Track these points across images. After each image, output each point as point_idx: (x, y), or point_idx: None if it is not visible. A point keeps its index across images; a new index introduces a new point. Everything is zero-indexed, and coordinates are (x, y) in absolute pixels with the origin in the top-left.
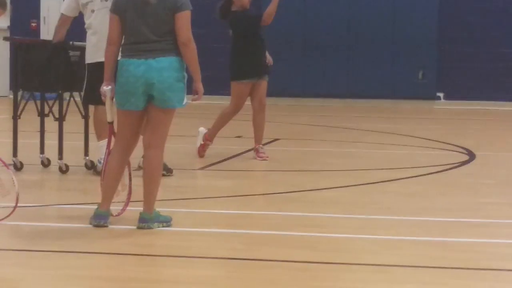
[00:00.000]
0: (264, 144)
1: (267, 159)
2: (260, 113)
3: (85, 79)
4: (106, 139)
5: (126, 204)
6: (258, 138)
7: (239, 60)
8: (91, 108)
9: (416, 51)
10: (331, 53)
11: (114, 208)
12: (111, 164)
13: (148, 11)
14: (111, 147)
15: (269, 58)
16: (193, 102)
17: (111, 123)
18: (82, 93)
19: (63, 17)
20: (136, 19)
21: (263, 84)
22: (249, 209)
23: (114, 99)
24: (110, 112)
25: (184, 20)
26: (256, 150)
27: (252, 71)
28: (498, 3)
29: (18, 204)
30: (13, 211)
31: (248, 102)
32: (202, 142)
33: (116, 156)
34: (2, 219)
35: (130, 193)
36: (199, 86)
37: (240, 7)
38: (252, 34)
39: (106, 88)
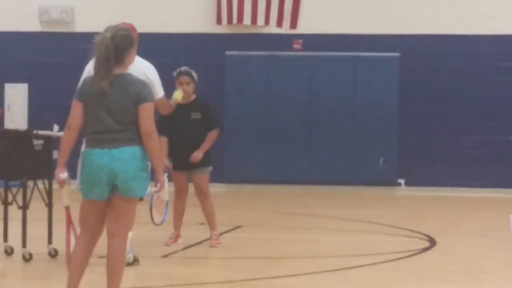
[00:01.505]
0: (226, 232)
1: (216, 245)
2: (204, 201)
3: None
4: None
5: None
6: (210, 224)
7: (169, 149)
8: (59, 195)
9: (377, 138)
10: (292, 139)
11: None
12: (77, 252)
13: (109, 101)
14: (72, 231)
15: (194, 156)
16: (156, 193)
17: (68, 207)
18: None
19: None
20: (99, 109)
21: (197, 176)
22: None
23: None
24: (67, 197)
25: (147, 112)
26: (210, 237)
27: (176, 163)
28: (459, 92)
29: None
30: None
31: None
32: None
33: (82, 244)
34: None
35: None
36: (161, 177)
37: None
38: (175, 127)
39: (63, 176)
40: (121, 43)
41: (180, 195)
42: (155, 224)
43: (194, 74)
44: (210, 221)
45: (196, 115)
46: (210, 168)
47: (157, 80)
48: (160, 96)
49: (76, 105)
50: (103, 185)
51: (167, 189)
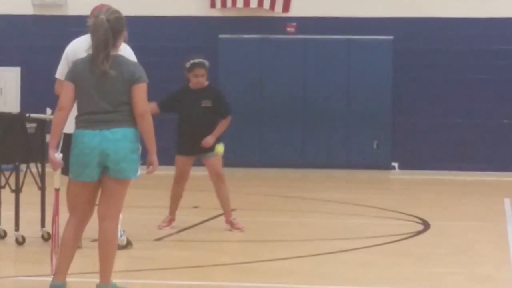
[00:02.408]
0: (220, 215)
1: (243, 229)
2: (220, 185)
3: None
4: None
5: None
6: (226, 210)
7: (177, 135)
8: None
9: (370, 121)
10: (286, 123)
11: (70, 280)
12: (66, 235)
13: (105, 83)
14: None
15: (205, 141)
16: (148, 174)
17: (58, 190)
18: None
19: (58, 82)
20: (92, 90)
21: (210, 160)
22: (206, 279)
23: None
24: (58, 179)
25: (141, 92)
26: (230, 223)
27: (181, 147)
28: (452, 75)
29: None
30: None
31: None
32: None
33: (72, 227)
34: None
35: None
36: (154, 158)
37: (192, 85)
38: (185, 113)
39: (58, 156)
40: (116, 25)
41: (179, 180)
42: None
43: (207, 64)
44: (227, 207)
45: (207, 103)
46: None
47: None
48: None
49: (68, 86)
50: (94, 166)
51: None
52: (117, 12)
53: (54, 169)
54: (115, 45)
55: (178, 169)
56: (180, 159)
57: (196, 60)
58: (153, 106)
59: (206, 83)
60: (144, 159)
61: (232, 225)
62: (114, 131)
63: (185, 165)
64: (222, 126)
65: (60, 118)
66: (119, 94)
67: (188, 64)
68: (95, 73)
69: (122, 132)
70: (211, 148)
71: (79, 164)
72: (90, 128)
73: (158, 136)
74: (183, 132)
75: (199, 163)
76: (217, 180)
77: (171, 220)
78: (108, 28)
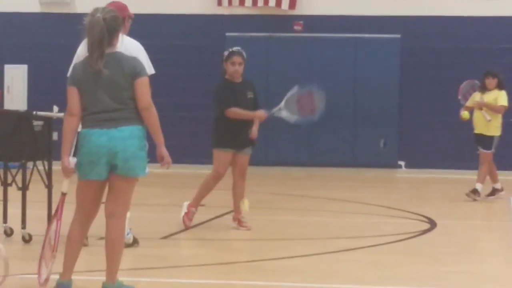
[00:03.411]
0: (226, 213)
1: (250, 228)
2: (240, 183)
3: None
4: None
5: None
6: (238, 208)
7: (219, 129)
8: (58, 177)
9: (377, 120)
10: None
11: (77, 278)
12: (72, 233)
13: (105, 80)
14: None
15: (253, 132)
16: (163, 167)
17: (65, 194)
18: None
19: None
20: (95, 89)
21: (244, 156)
22: (212, 278)
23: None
24: (67, 183)
25: (143, 86)
26: (238, 221)
27: (230, 142)
28: (460, 74)
29: None
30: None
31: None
32: (186, 211)
33: (78, 225)
34: None
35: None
36: (163, 151)
37: (229, 76)
38: (235, 102)
39: (72, 161)
40: (112, 24)
41: (220, 176)
42: None
43: (245, 54)
44: (239, 205)
45: (251, 94)
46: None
47: (144, 58)
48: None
49: (71, 90)
50: (103, 165)
51: None
52: (113, 11)
53: (67, 177)
54: (110, 44)
55: (222, 165)
56: (226, 154)
57: (235, 48)
58: (260, 113)
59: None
60: (151, 156)
61: (239, 223)
62: (121, 129)
63: (229, 161)
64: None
65: (71, 125)
66: (123, 90)
67: (226, 52)
68: (93, 73)
69: (130, 130)
70: (252, 143)
71: (87, 163)
72: (98, 127)
73: (165, 134)
74: (233, 126)
75: (203, 161)
76: (240, 177)
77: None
78: (104, 27)
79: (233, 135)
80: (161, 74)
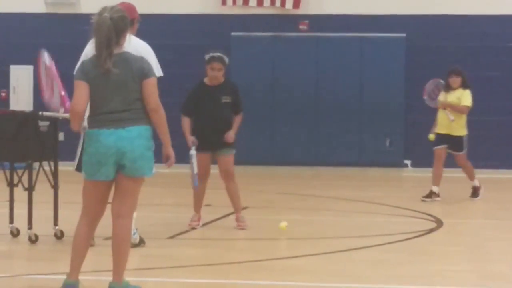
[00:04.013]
0: (232, 213)
1: (244, 228)
2: (229, 183)
3: (81, 147)
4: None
5: None
6: (235, 207)
7: (193, 130)
8: (64, 177)
9: (383, 119)
10: (298, 121)
11: (83, 278)
12: (79, 233)
13: (113, 81)
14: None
15: (229, 135)
16: (167, 167)
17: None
18: (76, 160)
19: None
20: (104, 89)
21: (224, 157)
22: (219, 278)
23: None
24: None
25: (152, 87)
26: (236, 220)
27: (203, 144)
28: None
29: None
30: None
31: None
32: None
33: (84, 226)
34: None
35: None
36: (170, 151)
37: (207, 79)
38: (205, 110)
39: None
40: (120, 24)
41: (202, 178)
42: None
43: (226, 60)
44: (236, 204)
45: (227, 99)
46: (234, 150)
47: (153, 60)
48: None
49: (81, 85)
50: (110, 165)
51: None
52: (121, 11)
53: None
54: (118, 43)
55: (200, 167)
56: (200, 156)
57: (215, 54)
58: (184, 119)
59: (222, 79)
60: (157, 156)
61: (237, 222)
62: (129, 129)
63: (206, 161)
64: (238, 121)
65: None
66: (131, 91)
67: (207, 56)
68: (101, 73)
69: (137, 130)
70: (228, 144)
71: (94, 163)
72: (106, 127)
73: (172, 133)
74: (203, 129)
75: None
76: (227, 177)
77: (199, 218)
78: (112, 26)
79: (203, 138)
80: (167, 74)
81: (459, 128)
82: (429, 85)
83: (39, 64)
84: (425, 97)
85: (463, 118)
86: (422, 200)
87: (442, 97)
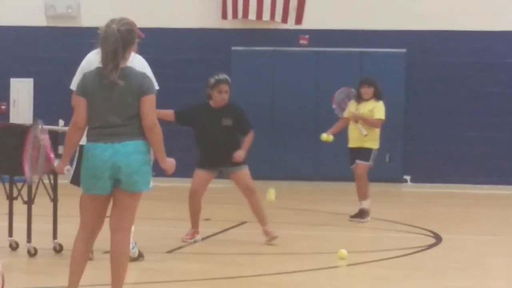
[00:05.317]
0: (231, 228)
1: (275, 237)
2: (251, 198)
3: (76, 160)
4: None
5: None
6: (260, 220)
7: (198, 150)
8: (64, 190)
9: (382, 134)
10: (298, 135)
11: None
12: (77, 248)
13: (114, 95)
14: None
15: (238, 154)
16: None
17: None
18: (71, 174)
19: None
20: (102, 103)
21: (239, 173)
22: None
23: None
24: None
25: (149, 104)
26: (265, 232)
27: (205, 162)
28: (465, 88)
29: None
30: None
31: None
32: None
33: (82, 241)
34: None
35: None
36: (165, 165)
37: (214, 103)
38: (204, 131)
39: (66, 169)
40: (127, 37)
41: (194, 195)
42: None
43: (230, 80)
44: (261, 217)
45: (227, 122)
46: (247, 166)
47: (149, 75)
48: None
49: (80, 101)
50: (106, 179)
51: None
52: (129, 24)
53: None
54: (124, 57)
55: (194, 183)
56: (199, 173)
57: (221, 76)
58: (169, 113)
59: (227, 100)
60: (156, 170)
61: (266, 233)
62: (125, 144)
63: (203, 180)
64: (249, 140)
65: (76, 138)
66: (129, 107)
67: (213, 80)
68: (104, 86)
69: (134, 145)
70: (237, 163)
71: (90, 177)
72: (102, 141)
73: (173, 147)
74: (203, 149)
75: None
76: (248, 193)
77: (194, 233)
78: (119, 38)
79: (204, 156)
80: (166, 89)
81: (371, 141)
82: (339, 94)
83: (29, 133)
84: (334, 106)
85: (376, 132)
86: (350, 220)
87: (353, 108)
